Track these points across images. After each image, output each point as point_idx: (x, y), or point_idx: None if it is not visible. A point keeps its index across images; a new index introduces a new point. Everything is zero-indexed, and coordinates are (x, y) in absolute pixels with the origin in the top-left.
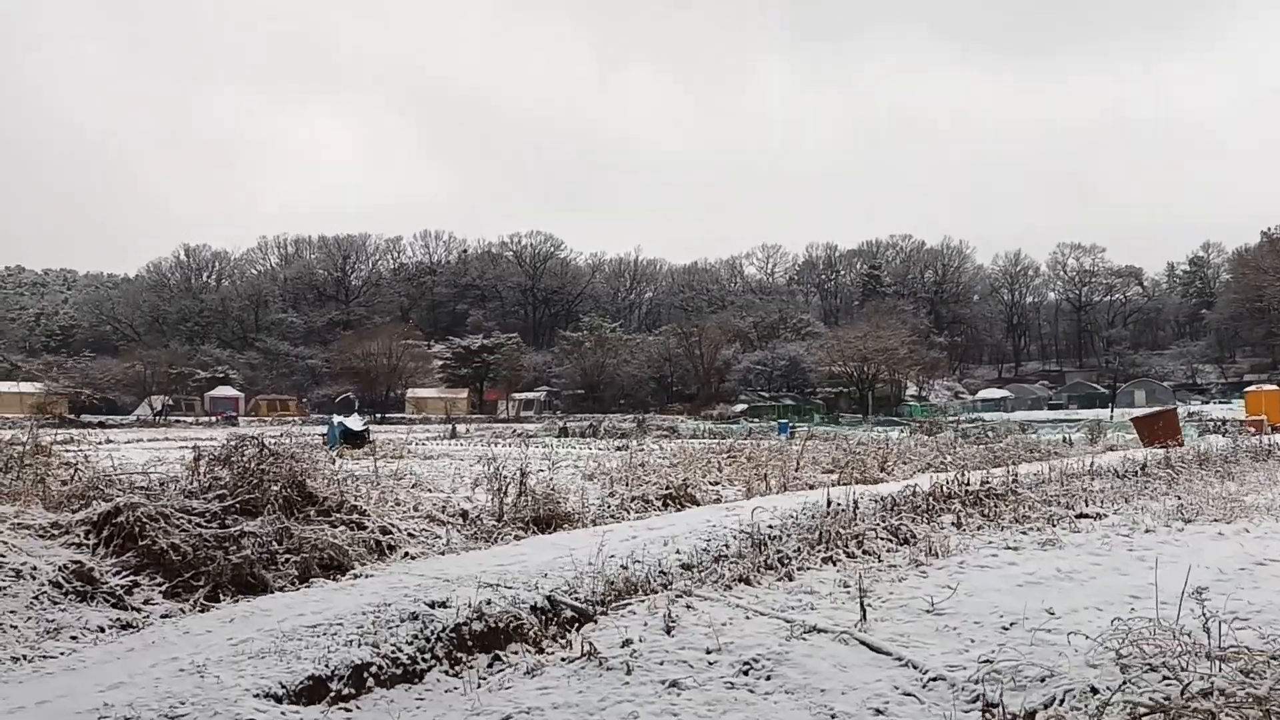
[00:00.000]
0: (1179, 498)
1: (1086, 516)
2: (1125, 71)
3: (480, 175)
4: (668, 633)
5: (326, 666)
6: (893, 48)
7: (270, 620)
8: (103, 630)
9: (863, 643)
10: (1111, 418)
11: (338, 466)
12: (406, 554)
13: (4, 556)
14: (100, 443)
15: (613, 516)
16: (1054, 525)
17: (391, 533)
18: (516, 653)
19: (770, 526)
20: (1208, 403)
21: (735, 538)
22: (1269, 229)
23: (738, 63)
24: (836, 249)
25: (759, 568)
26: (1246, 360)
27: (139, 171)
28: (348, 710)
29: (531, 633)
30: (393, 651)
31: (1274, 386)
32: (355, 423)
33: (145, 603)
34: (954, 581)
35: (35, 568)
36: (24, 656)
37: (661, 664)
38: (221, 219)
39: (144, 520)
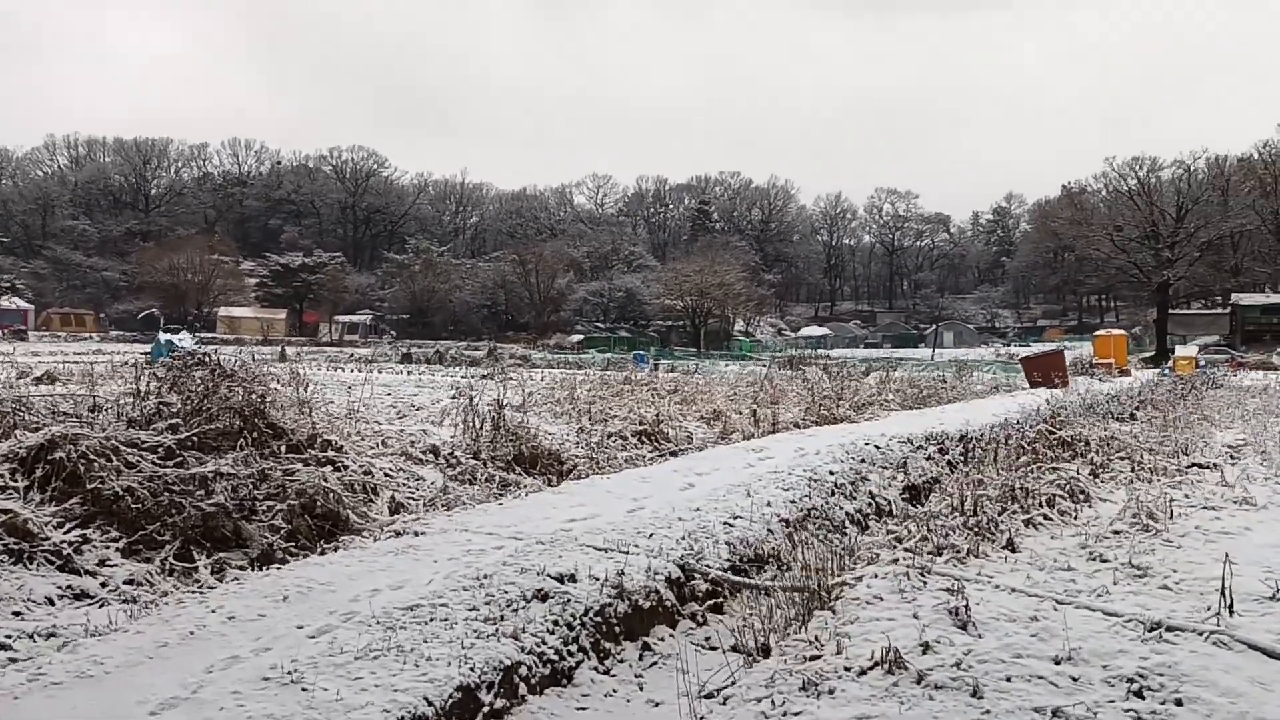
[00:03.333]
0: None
1: (1200, 466)
2: (955, 28)
3: (304, 87)
4: (962, 629)
5: (471, 670)
6: None
7: (337, 597)
8: (52, 603)
9: (1253, 646)
10: (933, 357)
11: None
12: (395, 500)
13: None
14: None
15: (594, 459)
16: (1184, 475)
17: (372, 474)
18: (663, 639)
19: (858, 474)
20: (1008, 344)
21: (846, 487)
22: (1069, 183)
23: None
24: (667, 182)
25: (963, 531)
26: (1040, 307)
27: None
28: None
29: (672, 612)
30: (537, 645)
31: (1121, 330)
32: (186, 341)
33: (101, 564)
34: (1227, 548)
35: None
36: None
37: (1008, 681)
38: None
39: (89, 457)
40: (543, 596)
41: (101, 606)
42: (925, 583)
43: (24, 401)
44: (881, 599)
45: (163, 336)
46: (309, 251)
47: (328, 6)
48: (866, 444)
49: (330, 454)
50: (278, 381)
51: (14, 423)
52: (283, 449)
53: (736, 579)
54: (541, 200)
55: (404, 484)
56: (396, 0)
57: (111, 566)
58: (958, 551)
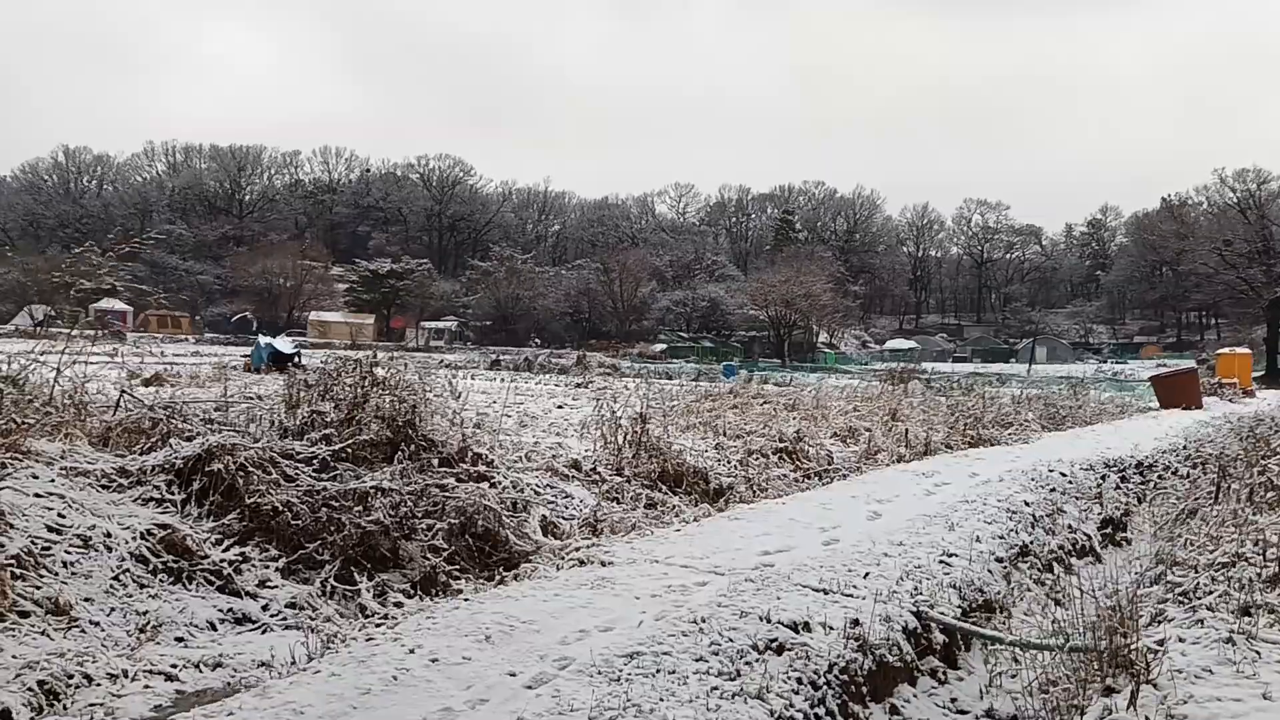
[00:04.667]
0: None
1: None
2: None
3: (392, 93)
4: None
5: None
6: None
7: (544, 639)
8: (214, 627)
9: None
10: (1029, 372)
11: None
12: (545, 519)
13: (64, 518)
14: None
15: (750, 480)
16: None
17: (522, 490)
18: (908, 700)
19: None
20: (1104, 360)
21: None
22: (1169, 195)
23: None
24: (750, 191)
25: None
26: (1136, 323)
27: (18, 70)
28: None
29: (910, 667)
30: (785, 708)
31: (1246, 349)
32: (285, 345)
33: (261, 585)
34: None
35: (110, 534)
36: (125, 674)
37: None
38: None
39: (247, 469)
40: (779, 648)
41: (264, 632)
42: (1259, 653)
43: (175, 408)
44: (1211, 672)
45: (262, 339)
46: (396, 258)
47: (411, 14)
48: (1051, 471)
49: (481, 468)
50: (429, 390)
51: (168, 430)
52: (435, 462)
53: (991, 633)
54: (623, 209)
55: (551, 501)
56: (480, 8)
57: (272, 588)
58: (1274, 612)
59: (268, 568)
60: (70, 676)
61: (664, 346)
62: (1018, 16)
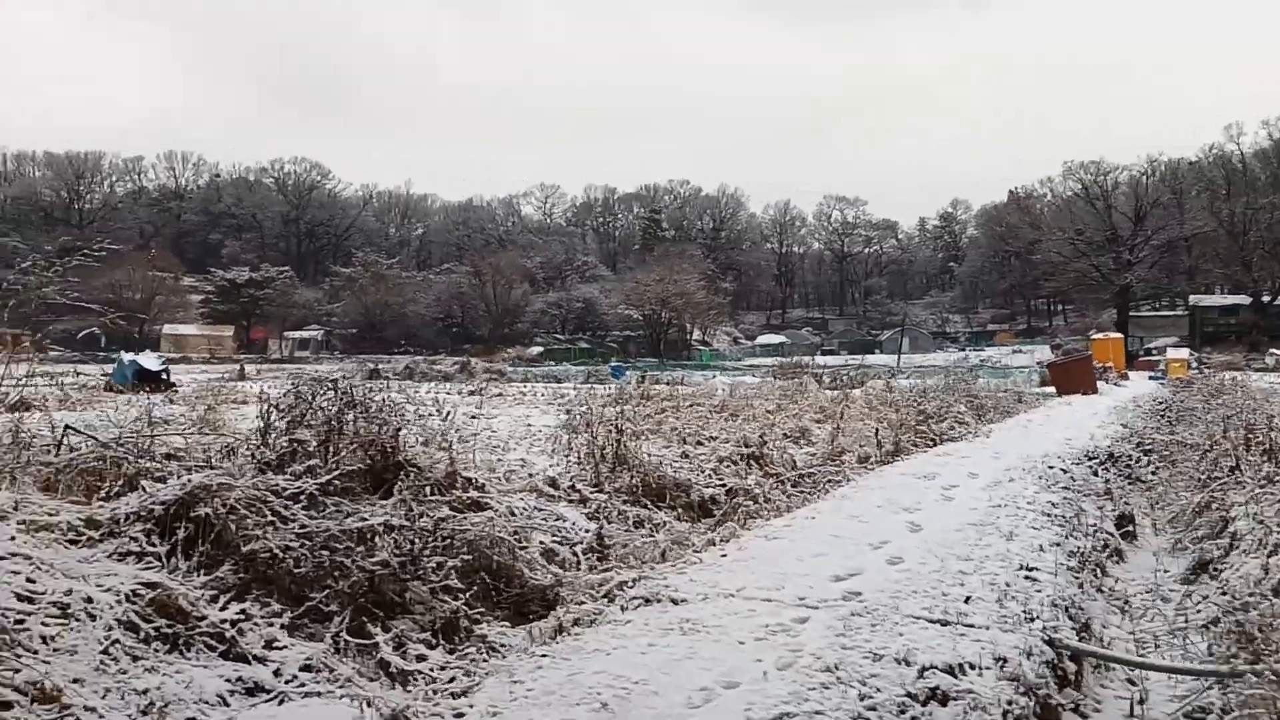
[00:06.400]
0: None
1: None
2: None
3: (241, 97)
4: None
5: None
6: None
7: (665, 701)
8: (225, 702)
9: None
10: (899, 363)
11: None
12: (544, 546)
13: (33, 583)
14: None
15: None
16: None
17: (516, 516)
18: None
19: None
20: (963, 349)
21: None
22: (1016, 188)
23: None
24: (616, 191)
25: None
26: (988, 311)
27: None
28: None
29: (1056, 708)
30: None
31: (1118, 334)
32: (151, 361)
33: (268, 646)
34: None
35: (91, 599)
36: None
37: None
38: None
39: (238, 511)
40: (942, 698)
41: (282, 703)
42: None
43: (140, 446)
44: None
45: (125, 356)
46: (254, 266)
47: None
48: (1051, 467)
49: (474, 494)
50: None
51: (136, 471)
52: (427, 491)
53: (1137, 660)
54: (489, 211)
55: (543, 525)
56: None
57: (280, 648)
58: None
59: (271, 624)
60: None
61: (540, 349)
62: (844, 24)
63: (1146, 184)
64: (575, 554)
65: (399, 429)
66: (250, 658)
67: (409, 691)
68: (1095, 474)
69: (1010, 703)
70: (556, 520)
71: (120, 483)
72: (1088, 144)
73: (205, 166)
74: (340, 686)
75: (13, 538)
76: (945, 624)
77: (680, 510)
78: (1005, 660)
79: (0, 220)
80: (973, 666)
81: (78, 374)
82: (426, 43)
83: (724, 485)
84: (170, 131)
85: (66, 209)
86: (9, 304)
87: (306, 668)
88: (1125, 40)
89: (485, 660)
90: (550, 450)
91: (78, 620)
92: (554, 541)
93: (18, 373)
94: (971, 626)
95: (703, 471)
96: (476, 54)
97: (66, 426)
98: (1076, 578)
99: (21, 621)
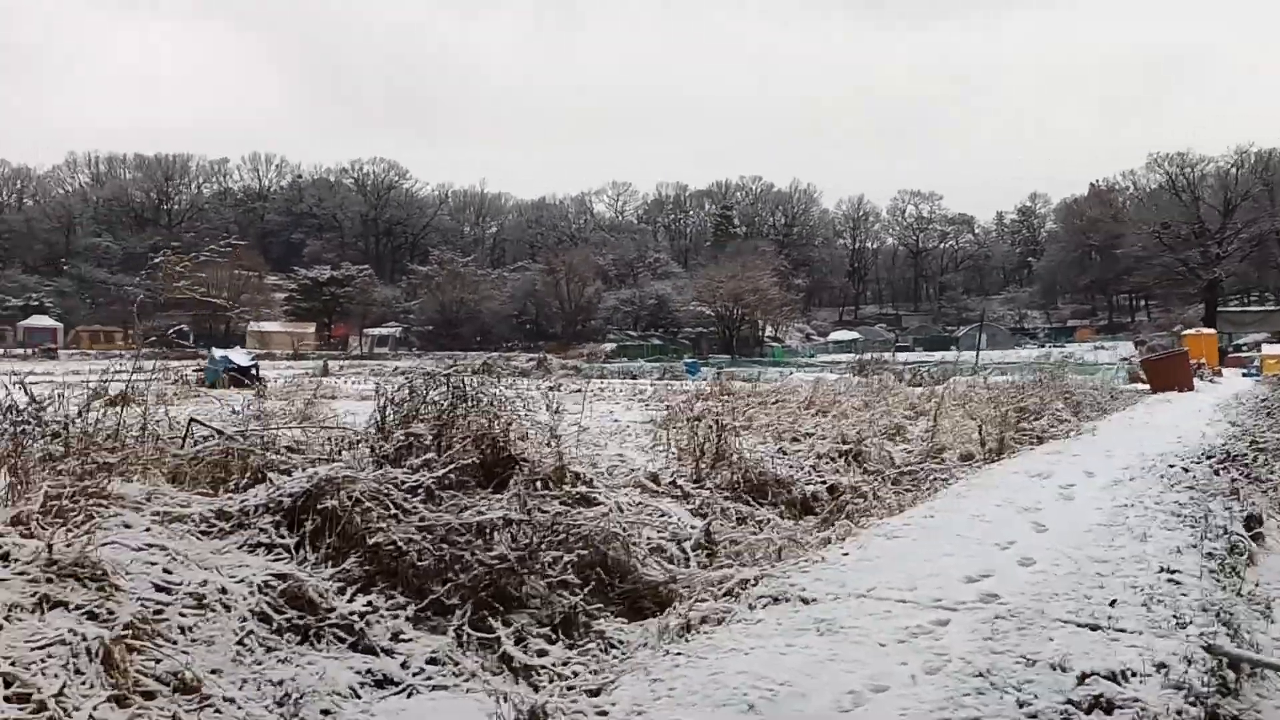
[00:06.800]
0: None
1: None
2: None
3: (324, 101)
4: None
5: None
6: None
7: (814, 704)
8: (356, 694)
9: None
10: (978, 359)
11: None
12: (650, 542)
13: (170, 574)
14: None
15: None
16: None
17: (624, 511)
18: None
19: None
20: (1043, 345)
21: None
22: (1097, 180)
23: None
24: (687, 188)
25: None
26: (1068, 307)
27: None
28: None
29: None
30: None
31: (1211, 330)
32: (241, 357)
33: (394, 638)
34: None
35: (225, 590)
36: None
37: None
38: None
39: (363, 504)
40: (1107, 706)
41: (410, 695)
42: None
43: (266, 440)
44: None
45: (217, 352)
46: (335, 265)
47: (341, 17)
48: (1172, 466)
49: (582, 489)
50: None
51: (263, 464)
52: (537, 485)
53: None
54: (561, 209)
55: (650, 520)
56: (407, 11)
57: (406, 641)
58: None
59: (396, 617)
60: None
61: (613, 346)
62: (936, 19)
63: (1236, 176)
64: (684, 550)
65: (510, 423)
66: (378, 650)
67: (532, 685)
68: (1216, 474)
69: (1180, 712)
70: (662, 516)
71: (245, 475)
72: (1163, 139)
73: (288, 168)
74: (465, 680)
75: (148, 529)
76: (1095, 629)
77: (783, 507)
78: (1167, 667)
79: (93, 221)
80: (1134, 674)
81: (169, 369)
82: (506, 51)
83: (824, 482)
84: (254, 132)
85: (156, 210)
86: (99, 302)
87: (432, 660)
88: (1199, 39)
89: (604, 656)
90: (650, 445)
91: (213, 611)
92: (661, 538)
93: (118, 368)
94: (1123, 631)
95: (801, 468)
96: (551, 58)
97: (191, 419)
98: (1219, 581)
99: (160, 612)
